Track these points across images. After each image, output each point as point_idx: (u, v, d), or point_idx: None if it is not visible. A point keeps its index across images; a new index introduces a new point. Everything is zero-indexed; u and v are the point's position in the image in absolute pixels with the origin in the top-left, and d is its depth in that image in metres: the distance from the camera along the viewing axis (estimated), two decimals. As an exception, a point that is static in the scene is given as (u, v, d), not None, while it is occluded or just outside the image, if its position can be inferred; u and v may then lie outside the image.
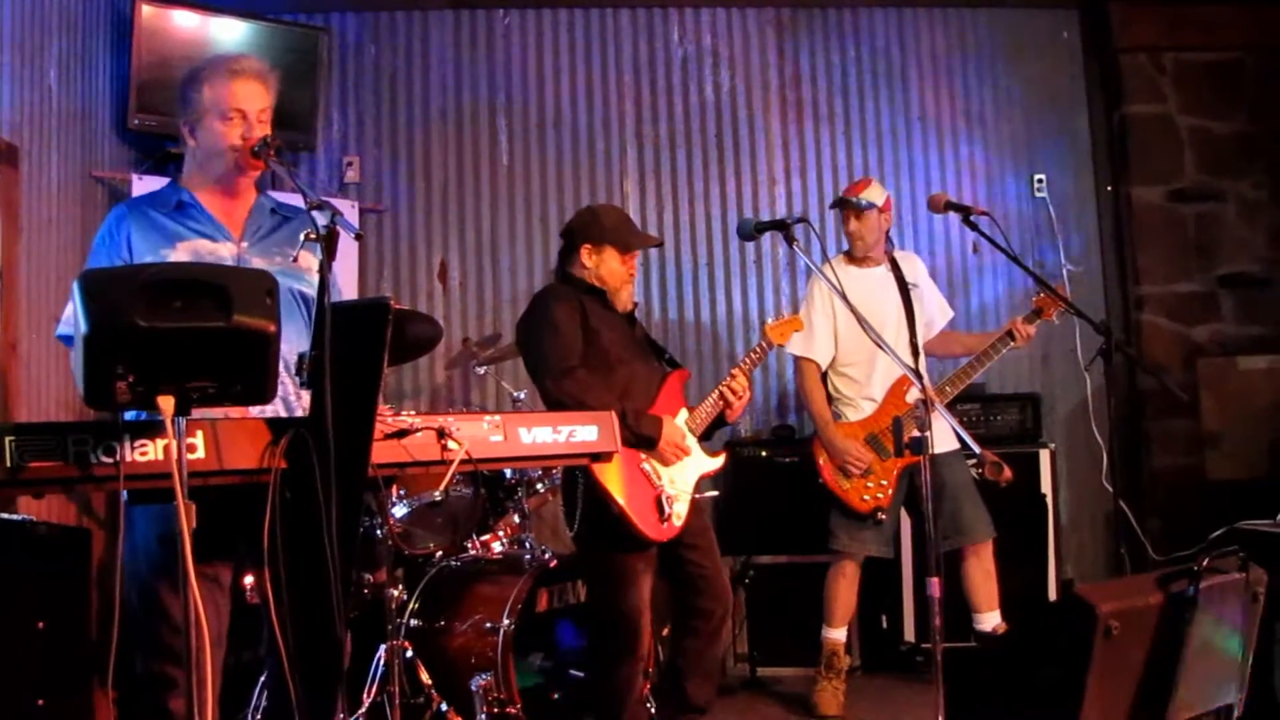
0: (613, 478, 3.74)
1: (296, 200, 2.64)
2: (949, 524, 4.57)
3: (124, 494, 2.23)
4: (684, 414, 4.05)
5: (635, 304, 4.14)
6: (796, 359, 4.77)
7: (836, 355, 4.73)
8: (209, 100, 2.82)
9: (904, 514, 4.89)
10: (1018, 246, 5.79)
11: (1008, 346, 4.57)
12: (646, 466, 3.86)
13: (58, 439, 2.10)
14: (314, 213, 2.42)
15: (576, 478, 3.87)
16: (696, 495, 4.01)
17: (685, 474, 3.98)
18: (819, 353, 4.71)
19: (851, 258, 4.81)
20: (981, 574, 4.63)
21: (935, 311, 4.93)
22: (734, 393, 4.03)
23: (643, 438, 3.82)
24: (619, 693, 3.80)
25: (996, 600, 4.63)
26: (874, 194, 4.70)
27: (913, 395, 4.53)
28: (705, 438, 4.10)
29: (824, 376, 4.78)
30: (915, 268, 4.90)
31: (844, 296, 3.34)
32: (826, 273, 4.64)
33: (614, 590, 3.82)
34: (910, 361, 4.56)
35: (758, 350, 4.16)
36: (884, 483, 4.55)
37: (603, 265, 4.00)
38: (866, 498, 4.55)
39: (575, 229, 4.08)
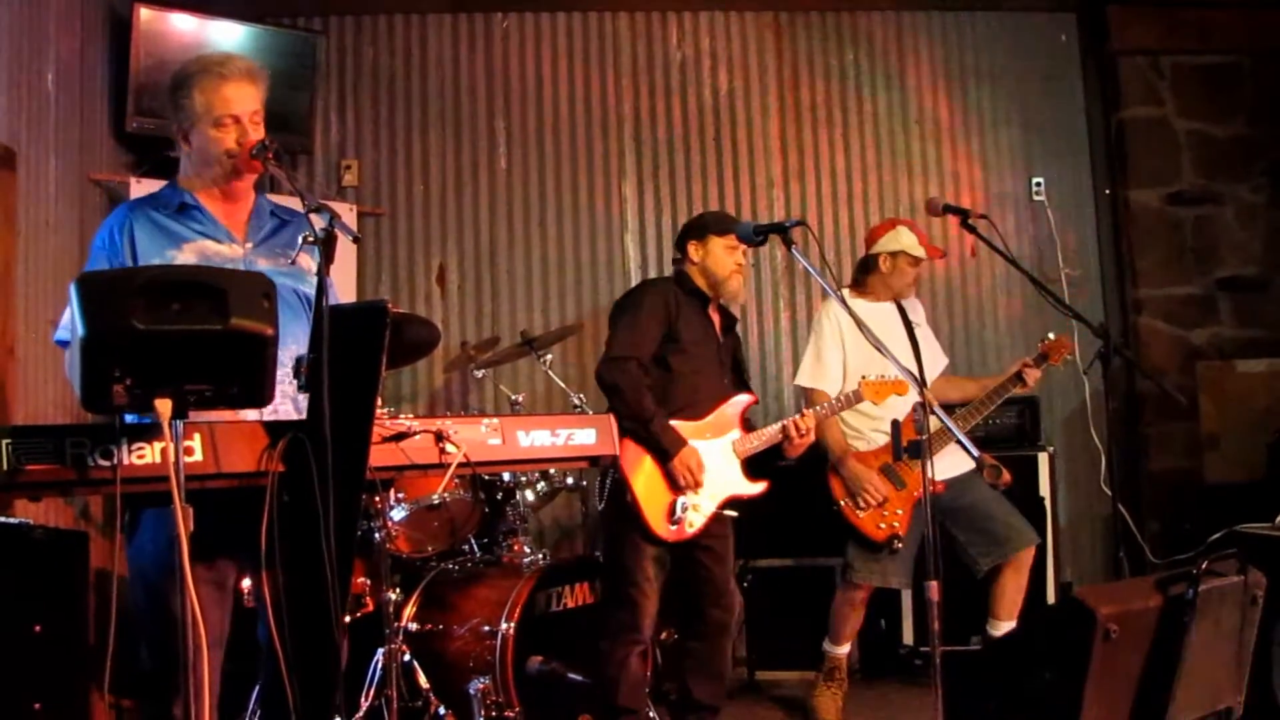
0: (635, 469, 3.88)
1: (294, 203, 2.63)
2: (986, 541, 4.53)
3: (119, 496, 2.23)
4: (734, 434, 4.10)
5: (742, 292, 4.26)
6: (806, 391, 4.68)
7: (845, 387, 4.60)
8: (200, 106, 2.76)
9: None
10: (1015, 250, 5.80)
11: (1016, 387, 4.51)
12: None
13: (55, 442, 2.10)
14: (312, 216, 2.41)
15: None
16: (717, 510, 4.03)
17: (712, 490, 4.01)
18: (829, 383, 4.61)
19: (861, 291, 4.75)
20: (1016, 585, 4.56)
21: (936, 355, 4.87)
22: (798, 431, 4.06)
23: (659, 449, 3.91)
24: (615, 668, 3.94)
25: (1018, 612, 4.58)
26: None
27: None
28: (753, 463, 4.13)
29: None
30: (917, 309, 4.87)
31: (844, 302, 3.34)
32: (831, 309, 4.65)
33: (622, 568, 3.95)
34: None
35: (844, 399, 4.28)
36: (899, 510, 4.49)
37: (709, 256, 4.13)
38: (882, 525, 4.48)
39: (683, 231, 4.26)
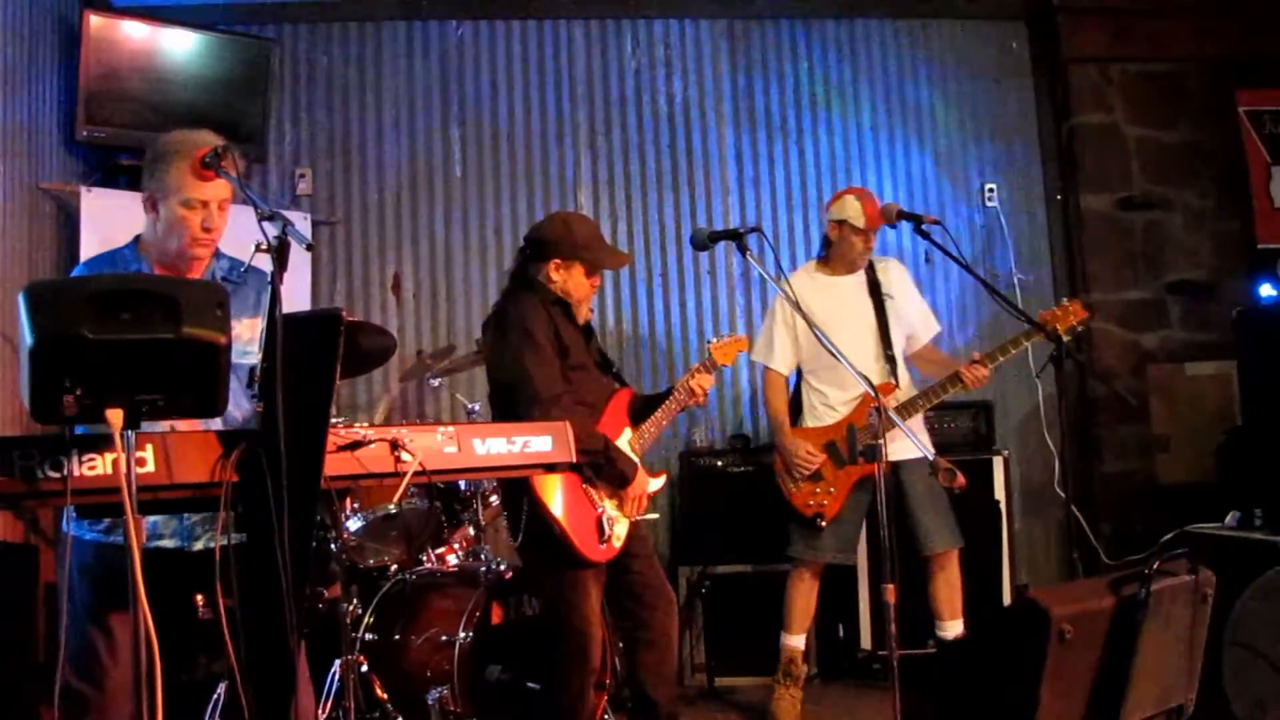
0: (554, 497, 3.69)
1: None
2: (916, 533, 4.56)
3: (71, 509, 2.21)
4: (627, 432, 3.98)
5: (590, 313, 4.07)
6: (764, 367, 4.81)
7: (803, 364, 4.74)
8: (173, 184, 2.81)
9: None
10: (969, 255, 5.86)
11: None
12: (588, 487, 3.79)
13: (3, 454, 2.06)
14: (265, 224, 2.40)
15: (517, 489, 3.77)
16: (637, 518, 3.95)
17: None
18: (779, 362, 4.73)
19: (825, 264, 4.78)
20: (946, 585, 4.61)
21: (918, 324, 4.83)
22: (695, 394, 4.00)
23: (616, 474, 3.78)
24: (571, 706, 3.74)
25: (960, 609, 4.63)
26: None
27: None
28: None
29: (798, 384, 4.79)
30: (893, 278, 4.81)
31: (796, 306, 3.36)
32: (791, 281, 4.67)
33: (564, 602, 3.75)
34: (877, 370, 4.57)
35: (701, 367, 4.07)
36: (832, 490, 4.53)
37: (570, 281, 3.89)
38: (811, 503, 4.54)
39: (548, 241, 3.91)
